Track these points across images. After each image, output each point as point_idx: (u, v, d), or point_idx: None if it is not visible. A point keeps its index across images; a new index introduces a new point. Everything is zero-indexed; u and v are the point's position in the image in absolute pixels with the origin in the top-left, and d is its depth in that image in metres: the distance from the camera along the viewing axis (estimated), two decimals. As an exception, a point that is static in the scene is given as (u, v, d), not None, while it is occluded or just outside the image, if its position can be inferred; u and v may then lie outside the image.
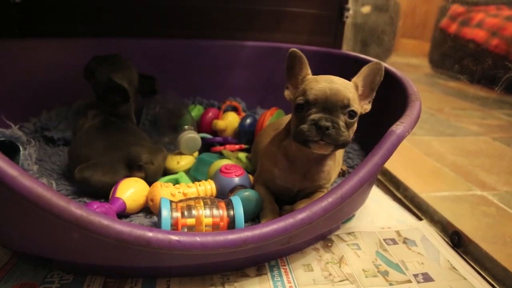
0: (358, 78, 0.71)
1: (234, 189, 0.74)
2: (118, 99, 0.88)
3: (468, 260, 0.74)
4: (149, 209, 0.75)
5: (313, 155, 0.71)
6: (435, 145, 1.40)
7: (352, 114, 0.65)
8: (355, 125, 0.68)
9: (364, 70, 0.71)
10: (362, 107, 0.72)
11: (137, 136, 0.86)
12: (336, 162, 0.80)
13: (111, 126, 0.86)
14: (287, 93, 0.73)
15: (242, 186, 0.75)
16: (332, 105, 0.64)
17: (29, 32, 1.15)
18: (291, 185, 0.75)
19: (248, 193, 0.70)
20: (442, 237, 0.81)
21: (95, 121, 0.88)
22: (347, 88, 0.65)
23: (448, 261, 0.73)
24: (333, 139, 0.63)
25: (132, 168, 0.78)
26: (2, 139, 0.77)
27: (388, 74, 0.94)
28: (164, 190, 0.72)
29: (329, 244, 0.76)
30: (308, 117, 0.64)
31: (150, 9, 1.25)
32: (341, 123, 0.64)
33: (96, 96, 0.92)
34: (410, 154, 1.32)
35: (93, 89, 0.92)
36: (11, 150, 0.77)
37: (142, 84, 0.96)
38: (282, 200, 0.79)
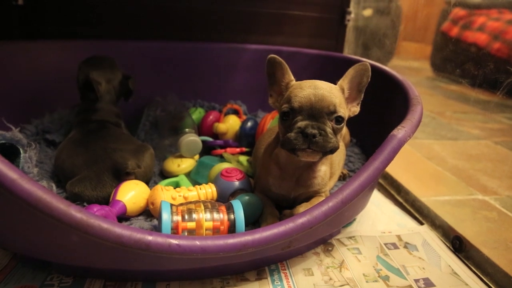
0: (344, 81, 0.69)
1: (234, 193, 0.74)
2: (93, 96, 0.88)
3: (470, 265, 0.74)
4: (149, 212, 0.75)
5: (302, 162, 0.70)
6: (437, 149, 1.40)
7: (339, 119, 0.64)
8: (344, 130, 0.67)
9: (350, 72, 0.70)
10: (350, 110, 0.70)
11: (118, 141, 0.83)
12: (331, 166, 0.79)
13: (90, 135, 0.84)
14: (271, 100, 0.73)
15: (242, 190, 0.75)
16: (318, 112, 0.63)
17: (30, 34, 1.16)
18: (285, 192, 0.75)
19: (248, 197, 0.70)
20: (444, 242, 0.81)
21: (75, 131, 0.88)
22: (332, 93, 0.64)
23: (450, 266, 0.73)
24: (320, 146, 0.62)
25: (120, 176, 0.77)
26: (3, 141, 0.76)
27: (390, 78, 0.94)
28: (164, 193, 0.71)
29: (330, 248, 0.76)
30: (294, 124, 0.63)
31: (151, 12, 1.25)
32: (328, 130, 0.63)
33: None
34: (411, 158, 1.31)
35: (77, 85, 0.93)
36: (11, 153, 0.77)
37: (124, 85, 0.96)
38: (282, 206, 0.79)
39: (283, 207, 0.77)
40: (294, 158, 0.68)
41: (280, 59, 0.69)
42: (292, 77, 0.70)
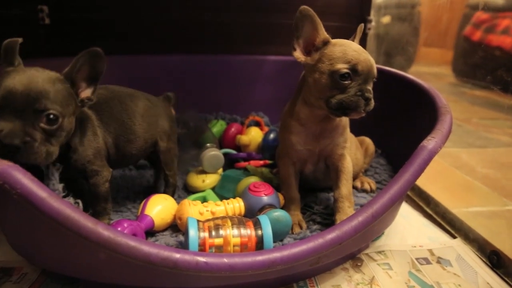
0: None
1: (263, 209, 0.72)
2: None
3: (511, 283, 0.70)
4: (175, 227, 0.74)
5: (323, 115, 0.72)
6: (464, 158, 1.35)
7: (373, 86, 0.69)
8: None
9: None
10: None
11: None
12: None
13: None
14: (297, 54, 0.70)
15: (271, 206, 0.73)
16: (370, 77, 0.67)
17: (57, 51, 1.18)
18: (311, 146, 0.76)
19: (278, 213, 0.68)
20: (479, 257, 0.77)
21: None
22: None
23: (488, 283, 0.69)
24: (370, 107, 0.66)
25: None
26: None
27: (415, 86, 0.92)
28: (192, 208, 0.71)
29: (359, 264, 0.73)
30: (352, 87, 0.65)
31: (171, 26, 1.27)
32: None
33: None
34: (438, 167, 1.27)
35: None
36: (37, 171, 0.78)
37: None
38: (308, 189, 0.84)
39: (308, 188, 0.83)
40: (316, 113, 0.72)
41: (313, 12, 0.67)
42: (326, 34, 0.69)
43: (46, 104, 0.53)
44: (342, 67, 0.65)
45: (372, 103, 0.66)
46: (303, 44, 0.70)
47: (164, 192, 0.83)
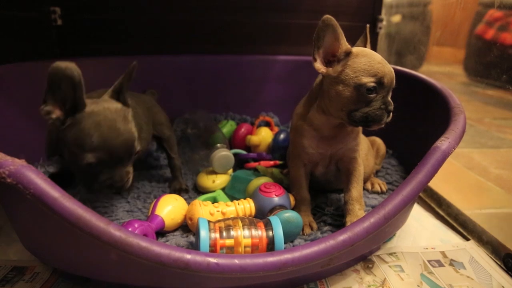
0: None
1: (273, 209, 0.72)
2: None
3: (526, 286, 0.68)
4: (185, 227, 0.74)
5: (338, 122, 0.72)
6: (477, 158, 1.33)
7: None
8: None
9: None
10: None
11: None
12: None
13: None
14: (318, 65, 0.67)
15: (282, 207, 0.73)
16: (392, 87, 0.67)
17: (69, 52, 1.20)
18: (323, 150, 0.76)
19: (288, 214, 0.67)
20: (494, 260, 0.75)
21: None
22: None
23: (503, 286, 0.68)
24: (390, 119, 0.67)
25: None
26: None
27: (427, 85, 0.91)
28: (203, 208, 0.71)
29: (370, 266, 0.72)
30: (377, 100, 0.65)
31: (182, 26, 1.27)
32: None
33: None
34: (450, 168, 1.25)
35: None
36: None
37: None
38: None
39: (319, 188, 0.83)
40: (331, 121, 0.72)
41: (336, 22, 0.64)
42: (348, 44, 0.67)
43: (137, 147, 0.62)
44: (369, 80, 0.64)
45: (391, 114, 0.67)
46: (323, 55, 0.68)
47: (174, 177, 0.93)
